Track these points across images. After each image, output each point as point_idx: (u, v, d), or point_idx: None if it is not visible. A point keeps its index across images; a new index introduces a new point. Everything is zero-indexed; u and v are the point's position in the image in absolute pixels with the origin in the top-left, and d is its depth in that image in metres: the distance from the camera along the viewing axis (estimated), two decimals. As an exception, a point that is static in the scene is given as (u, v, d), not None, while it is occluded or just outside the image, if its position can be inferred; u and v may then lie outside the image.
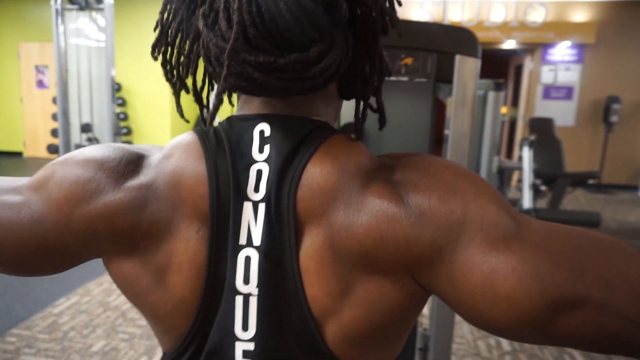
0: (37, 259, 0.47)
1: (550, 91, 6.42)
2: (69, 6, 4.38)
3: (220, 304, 0.44)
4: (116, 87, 4.77)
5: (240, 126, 0.46)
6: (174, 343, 0.47)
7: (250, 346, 0.43)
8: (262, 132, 0.45)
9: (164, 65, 0.51)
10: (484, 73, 1.45)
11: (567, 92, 6.37)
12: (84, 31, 4.56)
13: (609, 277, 0.36)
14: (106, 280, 2.74)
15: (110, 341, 2.10)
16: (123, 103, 6.67)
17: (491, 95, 3.69)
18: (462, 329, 2.33)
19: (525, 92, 6.78)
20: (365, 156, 0.45)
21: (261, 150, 0.45)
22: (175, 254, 0.44)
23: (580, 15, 6.13)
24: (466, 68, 1.13)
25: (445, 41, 1.13)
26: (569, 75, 6.32)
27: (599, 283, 0.36)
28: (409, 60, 1.12)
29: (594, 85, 6.16)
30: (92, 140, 4.65)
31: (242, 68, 0.41)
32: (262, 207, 0.43)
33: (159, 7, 0.50)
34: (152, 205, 0.45)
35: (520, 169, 3.70)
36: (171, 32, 0.49)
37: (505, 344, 2.23)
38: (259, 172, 0.44)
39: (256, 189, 0.44)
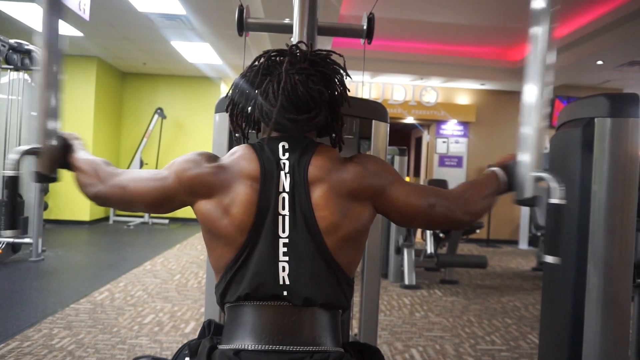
0: (162, 203, 0.91)
1: (444, 160, 7.57)
2: (4, 66, 4.48)
3: (267, 222, 0.86)
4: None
5: (270, 143, 0.93)
6: (235, 251, 0.87)
7: (286, 240, 0.86)
8: (283, 145, 0.92)
9: (232, 120, 0.99)
10: (390, 142, 1.70)
11: (457, 161, 7.56)
12: (14, 87, 4.64)
13: (439, 195, 0.91)
14: (45, 326, 2.77)
15: (61, 375, 2.18)
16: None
17: (397, 159, 4.43)
18: (383, 335, 2.74)
19: (424, 160, 7.88)
20: (338, 153, 0.94)
21: (284, 154, 0.91)
22: (237, 197, 0.87)
23: (463, 99, 7.48)
24: (379, 129, 1.64)
25: (365, 110, 1.65)
26: (459, 147, 7.55)
27: (437, 197, 0.90)
28: (342, 122, 1.62)
29: (477, 155, 7.41)
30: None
31: (280, 119, 0.89)
32: (288, 175, 0.89)
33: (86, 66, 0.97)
34: (223, 174, 0.89)
35: (422, 220, 4.39)
36: (237, 109, 0.97)
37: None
38: (284, 163, 0.90)
39: (283, 168, 0.89)
